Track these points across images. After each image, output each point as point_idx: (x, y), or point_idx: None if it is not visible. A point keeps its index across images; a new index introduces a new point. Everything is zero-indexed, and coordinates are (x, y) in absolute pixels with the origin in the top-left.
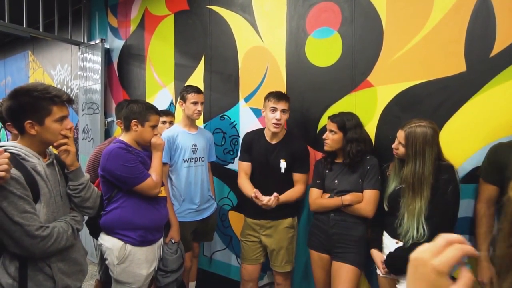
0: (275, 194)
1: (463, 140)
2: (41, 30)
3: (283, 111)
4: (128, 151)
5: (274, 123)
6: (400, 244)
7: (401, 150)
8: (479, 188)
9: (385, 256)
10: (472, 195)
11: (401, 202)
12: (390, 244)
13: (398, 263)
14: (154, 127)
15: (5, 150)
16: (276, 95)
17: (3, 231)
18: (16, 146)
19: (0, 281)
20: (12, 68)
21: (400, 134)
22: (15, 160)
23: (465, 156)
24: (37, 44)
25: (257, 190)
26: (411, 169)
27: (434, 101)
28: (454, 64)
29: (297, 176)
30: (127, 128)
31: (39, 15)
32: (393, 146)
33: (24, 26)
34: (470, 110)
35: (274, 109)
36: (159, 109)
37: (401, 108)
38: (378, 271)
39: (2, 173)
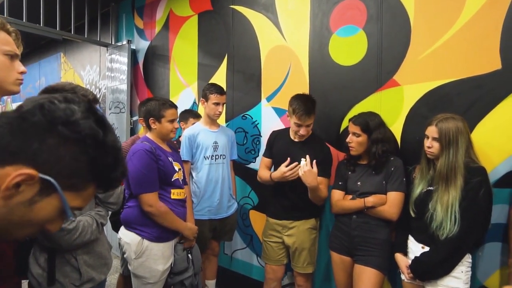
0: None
1: (497, 141)
2: (72, 33)
3: (307, 125)
4: (152, 155)
5: (299, 136)
6: (426, 249)
7: (436, 146)
8: None
9: (410, 261)
10: (507, 200)
11: (430, 204)
12: (415, 248)
13: (424, 269)
14: (172, 121)
15: None
16: (302, 112)
17: None
18: None
19: (31, 270)
20: (46, 70)
21: (431, 130)
22: None
23: (499, 159)
24: (69, 46)
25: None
26: (444, 160)
27: (465, 101)
28: (489, 61)
29: (318, 180)
30: (148, 127)
31: (71, 18)
32: (426, 145)
33: (57, 29)
34: (505, 109)
35: (299, 125)
36: (183, 109)
37: (429, 108)
38: (403, 276)
39: None
